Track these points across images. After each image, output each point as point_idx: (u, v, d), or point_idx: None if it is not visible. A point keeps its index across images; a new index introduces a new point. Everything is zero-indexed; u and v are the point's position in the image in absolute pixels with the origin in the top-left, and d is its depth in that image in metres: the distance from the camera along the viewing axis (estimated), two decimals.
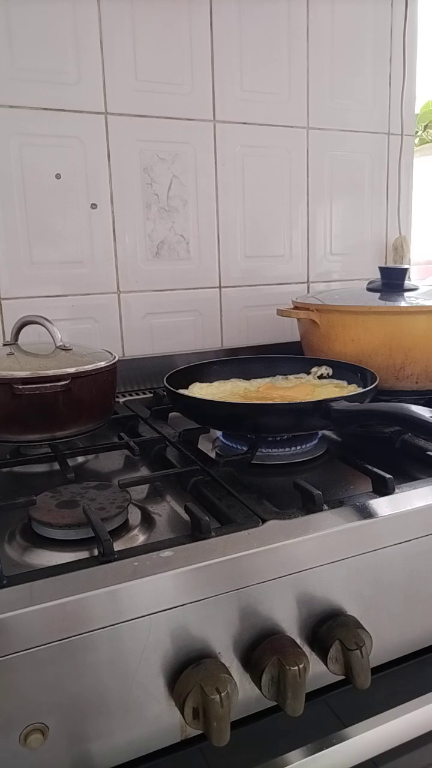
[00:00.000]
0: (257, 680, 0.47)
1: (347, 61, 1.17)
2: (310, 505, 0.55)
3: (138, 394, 1.03)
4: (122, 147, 1.00)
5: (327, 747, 0.52)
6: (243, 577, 0.48)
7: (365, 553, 0.53)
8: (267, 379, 0.91)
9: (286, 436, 0.75)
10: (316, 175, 1.19)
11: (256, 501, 0.57)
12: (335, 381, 0.87)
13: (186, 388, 0.83)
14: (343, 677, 0.51)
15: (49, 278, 0.99)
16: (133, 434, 0.81)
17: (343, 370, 0.87)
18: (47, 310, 0.95)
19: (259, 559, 0.48)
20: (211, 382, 0.89)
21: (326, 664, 0.50)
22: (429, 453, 0.71)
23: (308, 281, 1.22)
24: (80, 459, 0.77)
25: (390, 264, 1.29)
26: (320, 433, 0.78)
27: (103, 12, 0.95)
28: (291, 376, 0.91)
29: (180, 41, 1.02)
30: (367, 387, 0.75)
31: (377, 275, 0.98)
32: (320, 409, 0.65)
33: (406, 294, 0.92)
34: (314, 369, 0.90)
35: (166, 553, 0.47)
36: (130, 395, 1.02)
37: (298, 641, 0.50)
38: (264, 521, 0.53)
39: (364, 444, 0.78)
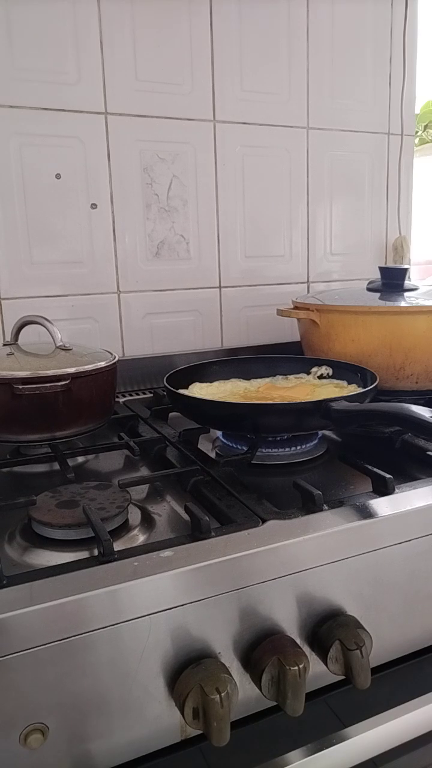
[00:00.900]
0: (257, 680, 0.47)
1: (347, 61, 1.17)
2: (310, 505, 0.55)
3: (138, 394, 1.03)
4: (122, 147, 1.00)
5: (327, 747, 0.52)
6: (243, 577, 0.48)
7: (365, 553, 0.53)
8: (267, 379, 0.91)
9: (286, 436, 0.75)
10: (316, 175, 1.19)
11: (256, 501, 0.57)
12: (335, 381, 0.87)
13: (186, 388, 0.83)
14: (343, 677, 0.51)
15: (49, 278, 0.99)
16: (133, 434, 0.81)
17: (343, 370, 0.87)
18: (47, 310, 0.95)
19: (259, 559, 0.48)
20: (211, 382, 0.89)
21: (326, 664, 0.50)
22: (429, 453, 0.71)
23: (308, 281, 1.22)
24: (80, 459, 0.77)
25: (390, 264, 1.29)
26: (320, 433, 0.78)
27: (103, 12, 0.95)
28: (291, 376, 0.91)
29: (180, 41, 1.02)
30: (367, 387, 0.75)
31: (377, 275, 0.97)
32: (320, 409, 0.65)
33: (406, 294, 0.92)
34: (314, 369, 0.90)
35: (166, 553, 0.47)
36: (130, 395, 1.02)
37: (298, 641, 0.50)
38: (264, 521, 0.53)
39: (364, 444, 0.78)
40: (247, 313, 1.17)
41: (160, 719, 0.47)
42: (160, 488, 0.67)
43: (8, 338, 0.83)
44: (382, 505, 0.56)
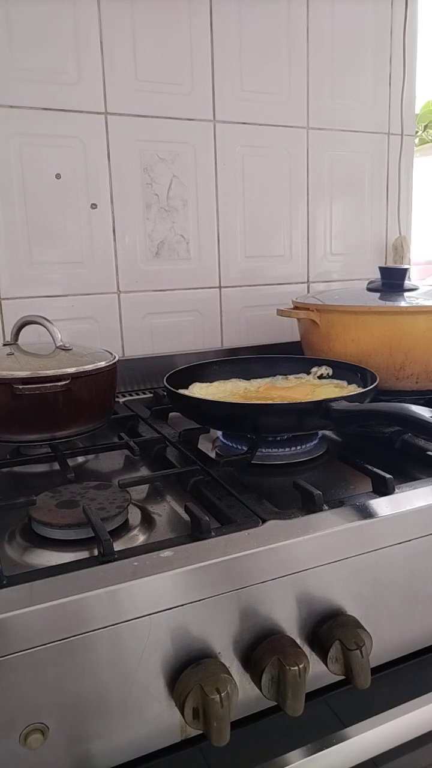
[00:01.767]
0: (257, 680, 0.47)
1: (347, 61, 1.17)
2: (310, 505, 0.55)
3: (138, 394, 1.03)
4: (122, 147, 1.00)
5: (327, 747, 0.52)
6: (243, 577, 0.48)
7: (365, 553, 0.53)
8: (267, 379, 0.91)
9: (286, 436, 0.75)
10: (316, 175, 1.19)
11: (256, 501, 0.57)
12: (335, 381, 0.87)
13: (186, 388, 0.83)
14: (343, 677, 0.51)
15: (49, 278, 0.99)
16: (133, 434, 0.81)
17: (343, 370, 0.87)
18: (47, 310, 0.95)
19: (259, 559, 0.48)
20: (211, 382, 0.89)
21: (326, 664, 0.50)
22: (429, 453, 0.71)
23: (308, 281, 1.22)
24: (80, 459, 0.77)
25: (390, 264, 1.29)
26: (320, 433, 0.78)
27: (103, 12, 0.95)
28: (291, 376, 0.91)
29: (180, 41, 1.02)
30: (367, 387, 0.75)
31: (377, 275, 0.97)
32: (320, 409, 0.65)
33: (406, 294, 0.92)
34: (314, 369, 0.90)
35: (166, 553, 0.47)
36: (130, 395, 1.02)
37: (298, 641, 0.50)
38: (264, 521, 0.53)
39: (364, 444, 0.78)
40: (247, 313, 1.17)
41: (160, 719, 0.47)
42: (160, 488, 0.67)
43: (8, 338, 0.83)
44: (382, 505, 0.56)
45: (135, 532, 0.56)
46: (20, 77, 0.92)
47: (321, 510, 0.55)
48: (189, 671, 0.45)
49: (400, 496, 0.57)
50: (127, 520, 0.57)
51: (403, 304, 0.89)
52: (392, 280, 0.95)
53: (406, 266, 0.97)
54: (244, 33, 1.07)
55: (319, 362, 0.91)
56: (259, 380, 0.91)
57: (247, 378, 0.91)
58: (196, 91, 1.05)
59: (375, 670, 0.53)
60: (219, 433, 0.80)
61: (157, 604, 0.45)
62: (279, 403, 0.74)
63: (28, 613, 0.41)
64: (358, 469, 0.63)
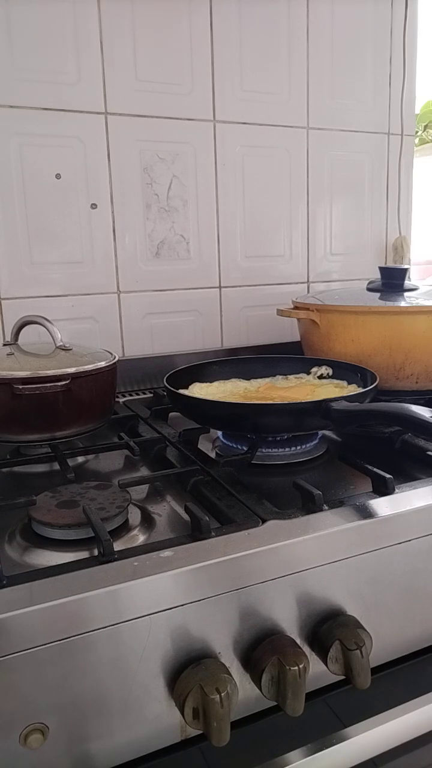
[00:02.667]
0: (257, 680, 0.47)
1: (347, 61, 1.17)
2: (310, 505, 0.55)
3: (138, 394, 1.03)
4: (122, 147, 1.00)
5: (327, 747, 0.52)
6: (243, 577, 0.48)
7: (365, 553, 0.53)
8: (267, 379, 0.91)
9: (286, 436, 0.75)
10: (316, 175, 1.19)
11: (256, 501, 0.57)
12: (335, 381, 0.87)
13: (186, 388, 0.83)
14: (343, 677, 0.51)
15: (49, 278, 0.99)
16: (133, 434, 0.81)
17: (343, 370, 0.87)
18: (47, 310, 0.95)
19: (259, 559, 0.48)
20: (211, 382, 0.89)
21: (326, 664, 0.50)
22: (429, 453, 0.71)
23: (308, 281, 1.22)
24: (80, 459, 0.77)
25: (390, 264, 1.29)
26: (320, 433, 0.78)
27: (103, 12, 0.95)
28: (291, 376, 0.91)
29: (180, 41, 1.02)
30: (367, 387, 0.75)
31: (377, 275, 0.97)
32: (320, 409, 0.65)
33: (406, 294, 0.92)
34: (314, 369, 0.90)
35: (166, 553, 0.47)
36: (130, 395, 1.02)
37: (298, 641, 0.50)
38: (264, 521, 0.53)
39: (364, 444, 0.78)
40: (247, 313, 1.17)
41: (160, 719, 0.47)
42: (160, 488, 0.67)
43: (8, 338, 0.83)
44: (382, 505, 0.56)
45: (135, 532, 0.56)
46: (20, 77, 0.92)
47: (321, 510, 0.55)
48: (189, 671, 0.46)
49: (400, 496, 0.57)
50: (127, 520, 0.57)
51: (403, 304, 0.89)
52: (392, 280, 0.95)
53: (406, 266, 0.97)
54: (244, 33, 1.07)
55: (319, 362, 0.91)
56: (259, 380, 0.91)
57: (247, 378, 0.91)
58: (196, 91, 1.05)
59: (375, 670, 0.53)
60: (219, 433, 0.80)
61: (157, 604, 0.45)
62: (279, 403, 0.74)
63: (28, 613, 0.41)
64: (358, 469, 0.63)
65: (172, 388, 0.76)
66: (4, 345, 0.83)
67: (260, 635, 0.49)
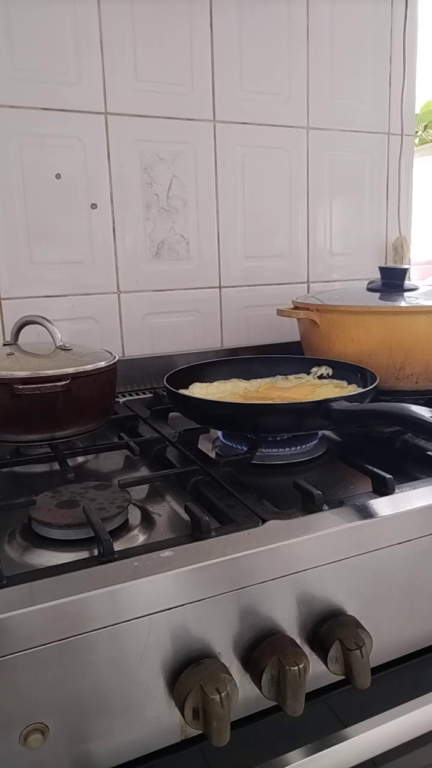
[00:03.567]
0: (257, 680, 0.47)
1: (347, 61, 1.17)
2: (310, 505, 0.55)
3: (138, 394, 1.03)
4: (122, 147, 1.00)
5: (327, 747, 0.52)
6: (243, 577, 0.48)
7: (365, 553, 0.53)
8: (267, 379, 0.91)
9: (286, 436, 0.75)
10: (316, 175, 1.19)
11: (256, 501, 0.57)
12: (335, 381, 0.87)
13: (186, 388, 0.83)
14: (343, 677, 0.51)
15: (49, 278, 0.99)
16: (133, 434, 0.81)
17: (343, 370, 0.87)
18: (47, 310, 0.95)
19: (259, 559, 0.48)
20: (211, 382, 0.89)
21: (326, 664, 0.50)
22: (429, 453, 0.71)
23: (308, 281, 1.22)
24: (80, 459, 0.77)
25: (390, 264, 1.29)
26: (320, 433, 0.78)
27: (103, 12, 0.95)
28: (291, 376, 0.91)
29: (180, 41, 1.02)
30: (367, 387, 0.75)
31: (377, 275, 0.97)
32: (320, 409, 0.65)
33: (406, 294, 0.92)
34: (314, 369, 0.90)
35: (166, 553, 0.47)
36: (130, 395, 1.02)
37: (298, 641, 0.50)
38: (264, 521, 0.53)
39: (364, 444, 0.78)
40: (247, 313, 1.17)
41: (160, 719, 0.47)
42: (160, 488, 0.67)
43: (8, 338, 0.83)
44: (382, 505, 0.56)
45: (135, 532, 0.56)
46: (20, 77, 0.92)
47: (321, 510, 0.55)
48: (189, 671, 0.46)
49: (400, 496, 0.57)
50: (127, 520, 0.57)
51: (403, 304, 0.89)
52: (392, 280, 0.95)
53: (406, 266, 0.97)
54: (244, 33, 1.07)
55: (319, 362, 0.91)
56: (259, 380, 0.91)
57: (247, 378, 0.91)
58: (196, 91, 1.05)
59: (375, 670, 0.53)
60: (219, 433, 0.80)
61: (157, 604, 0.45)
62: (279, 403, 0.74)
63: (28, 613, 0.41)
64: (358, 469, 0.63)
65: (172, 388, 0.76)
66: (4, 345, 0.83)
67: (260, 635, 0.49)
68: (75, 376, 0.72)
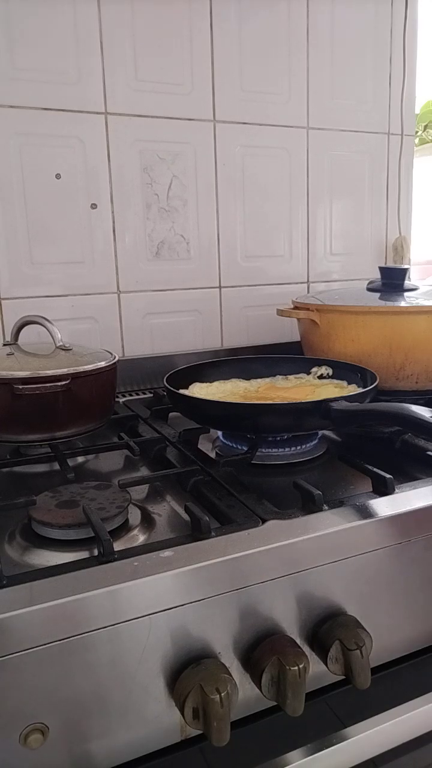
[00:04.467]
0: (257, 680, 0.47)
1: (347, 61, 1.17)
2: (310, 505, 0.55)
3: (138, 394, 1.03)
4: (122, 147, 1.00)
5: (327, 747, 0.52)
6: (243, 577, 0.48)
7: (365, 553, 0.53)
8: (267, 380, 0.91)
9: (286, 436, 0.75)
10: (316, 176, 1.19)
11: (256, 501, 0.57)
12: (335, 381, 0.87)
13: (186, 388, 0.83)
14: (343, 677, 0.51)
15: (49, 278, 0.99)
16: (133, 434, 0.81)
17: (343, 370, 0.87)
18: (47, 310, 0.95)
19: (259, 559, 0.48)
20: (211, 382, 0.89)
21: (326, 664, 0.50)
22: (429, 453, 0.71)
23: (308, 281, 1.22)
24: (80, 459, 0.77)
25: (390, 264, 1.29)
26: (320, 433, 0.78)
27: (103, 12, 0.95)
28: (291, 376, 0.91)
29: (180, 41, 1.02)
30: (367, 387, 0.75)
31: (377, 275, 0.97)
32: (320, 409, 0.65)
33: (406, 294, 0.92)
34: (314, 369, 0.90)
35: (166, 553, 0.47)
36: (130, 395, 1.02)
37: (298, 641, 0.50)
38: (264, 521, 0.53)
39: (364, 444, 0.78)
40: (247, 313, 1.17)
41: (160, 719, 0.47)
42: (160, 488, 0.67)
43: (8, 338, 0.83)
44: (382, 505, 0.56)
45: (135, 532, 0.56)
46: (20, 77, 0.92)
47: (321, 510, 0.55)
48: (189, 671, 0.46)
49: (400, 496, 0.57)
50: (127, 520, 0.57)
51: (403, 304, 0.89)
52: (392, 280, 0.95)
53: (406, 266, 0.97)
54: (244, 32, 1.07)
55: (319, 362, 0.91)
56: (259, 380, 0.91)
57: (247, 378, 0.91)
58: (196, 91, 1.05)
59: (375, 670, 0.53)
60: (219, 433, 0.80)
61: (157, 604, 0.45)
62: (279, 403, 0.74)
63: (28, 613, 0.41)
64: (358, 469, 0.63)
65: (172, 388, 0.76)
66: (4, 345, 0.83)
67: (260, 635, 0.49)
68: (75, 376, 0.72)
